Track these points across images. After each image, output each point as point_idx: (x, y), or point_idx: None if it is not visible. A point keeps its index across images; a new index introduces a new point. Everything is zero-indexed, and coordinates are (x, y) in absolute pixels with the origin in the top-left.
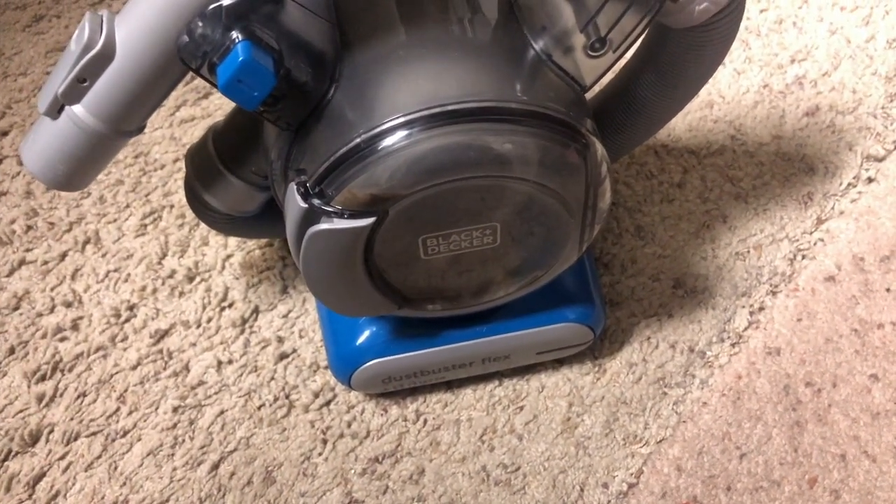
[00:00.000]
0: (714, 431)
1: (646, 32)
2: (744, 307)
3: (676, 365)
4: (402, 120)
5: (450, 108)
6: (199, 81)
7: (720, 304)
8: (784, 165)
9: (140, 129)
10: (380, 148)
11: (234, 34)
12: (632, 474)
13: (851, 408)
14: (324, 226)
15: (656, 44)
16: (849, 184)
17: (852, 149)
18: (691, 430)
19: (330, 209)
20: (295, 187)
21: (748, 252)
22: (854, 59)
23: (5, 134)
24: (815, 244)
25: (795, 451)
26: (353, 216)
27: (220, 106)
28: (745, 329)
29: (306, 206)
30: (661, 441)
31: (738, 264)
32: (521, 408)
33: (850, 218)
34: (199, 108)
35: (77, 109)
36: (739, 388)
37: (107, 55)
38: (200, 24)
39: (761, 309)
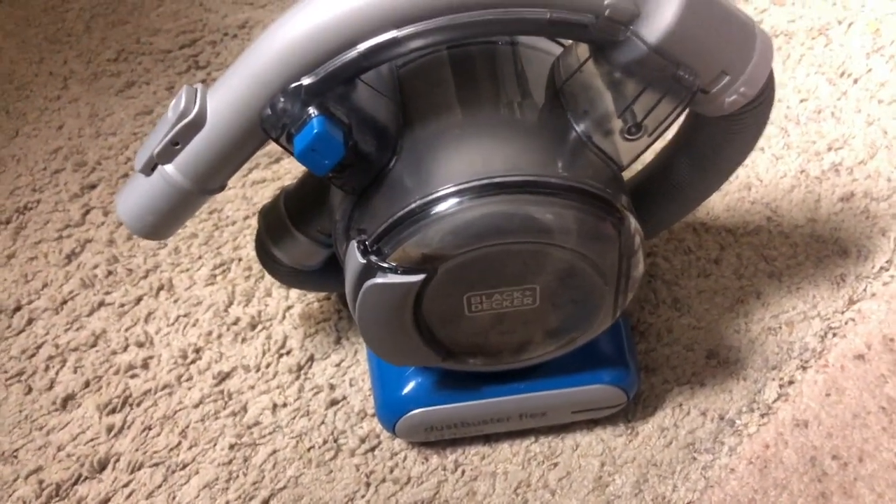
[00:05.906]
0: (740, 497)
1: (681, 119)
2: (774, 380)
3: (706, 432)
4: (454, 189)
5: (497, 180)
6: (271, 147)
7: (751, 375)
8: (818, 247)
9: (221, 188)
10: (433, 213)
11: (311, 109)
12: None
13: (877, 483)
14: (379, 280)
15: (691, 129)
16: (881, 267)
17: (885, 234)
18: (718, 495)
19: (385, 265)
20: (356, 244)
21: (780, 328)
22: (890, 149)
23: (94, 187)
24: (845, 323)
25: None
26: (405, 272)
27: (289, 170)
28: (775, 401)
29: (365, 261)
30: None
31: (769, 339)
32: (556, 464)
33: (881, 300)
34: (270, 172)
35: (168, 168)
36: (767, 458)
37: (198, 123)
38: (282, 99)
39: (791, 382)
